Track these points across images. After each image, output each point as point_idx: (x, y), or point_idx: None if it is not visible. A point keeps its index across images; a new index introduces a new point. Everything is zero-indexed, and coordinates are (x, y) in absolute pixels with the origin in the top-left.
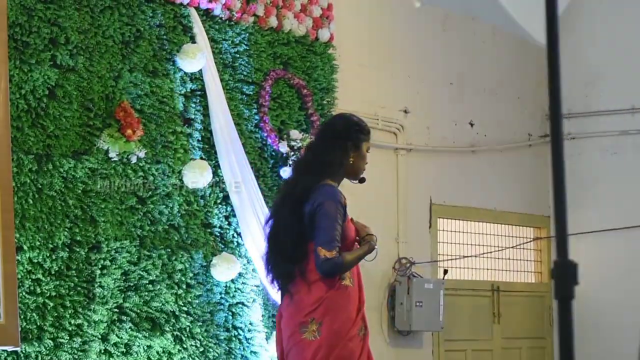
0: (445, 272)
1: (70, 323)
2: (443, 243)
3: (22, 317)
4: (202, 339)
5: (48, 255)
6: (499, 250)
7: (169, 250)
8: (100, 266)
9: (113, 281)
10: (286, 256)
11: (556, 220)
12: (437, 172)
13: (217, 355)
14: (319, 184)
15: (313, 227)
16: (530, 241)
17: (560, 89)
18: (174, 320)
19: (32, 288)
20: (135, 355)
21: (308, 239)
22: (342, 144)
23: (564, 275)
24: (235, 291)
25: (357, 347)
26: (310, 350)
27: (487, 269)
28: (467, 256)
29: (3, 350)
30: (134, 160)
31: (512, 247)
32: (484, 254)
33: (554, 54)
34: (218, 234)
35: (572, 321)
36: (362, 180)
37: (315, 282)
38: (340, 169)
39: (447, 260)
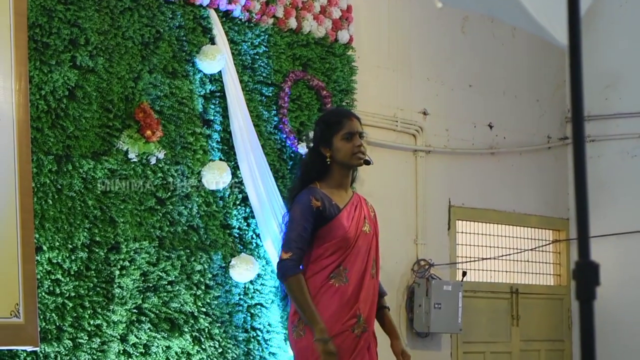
0: (464, 274)
1: (89, 323)
2: (462, 245)
3: (41, 317)
4: (220, 339)
5: (67, 255)
6: (517, 253)
7: (188, 251)
8: (119, 267)
9: (132, 282)
10: None
11: (578, 221)
12: (456, 174)
13: (235, 356)
14: (298, 194)
15: None
16: (549, 244)
17: (582, 91)
18: (192, 321)
19: (51, 288)
20: (154, 356)
21: None
22: (315, 148)
23: (585, 276)
24: (254, 292)
25: (347, 344)
26: (297, 348)
27: (506, 271)
28: (486, 258)
29: (22, 350)
30: (153, 161)
31: (531, 250)
32: (502, 256)
33: (576, 55)
34: (237, 235)
35: (593, 322)
36: (366, 163)
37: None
38: (322, 171)
39: (466, 262)
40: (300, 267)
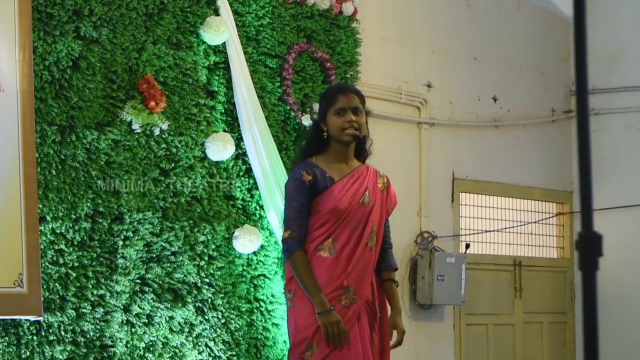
0: (467, 246)
1: (92, 293)
2: (465, 217)
3: (44, 287)
4: (223, 310)
5: (71, 225)
6: (521, 225)
7: (192, 222)
8: (122, 237)
9: (135, 252)
10: None
11: (581, 192)
12: (460, 147)
13: (238, 326)
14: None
15: None
16: (553, 216)
17: (587, 64)
18: (195, 292)
19: (54, 258)
20: (157, 326)
21: None
22: (316, 122)
23: (588, 246)
24: (257, 263)
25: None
26: (289, 319)
27: (509, 244)
28: (489, 231)
29: (26, 320)
30: (157, 132)
31: (535, 222)
32: (506, 228)
33: (581, 28)
34: (240, 207)
35: (596, 292)
36: (355, 139)
37: None
38: (321, 144)
39: (469, 234)
40: (302, 243)
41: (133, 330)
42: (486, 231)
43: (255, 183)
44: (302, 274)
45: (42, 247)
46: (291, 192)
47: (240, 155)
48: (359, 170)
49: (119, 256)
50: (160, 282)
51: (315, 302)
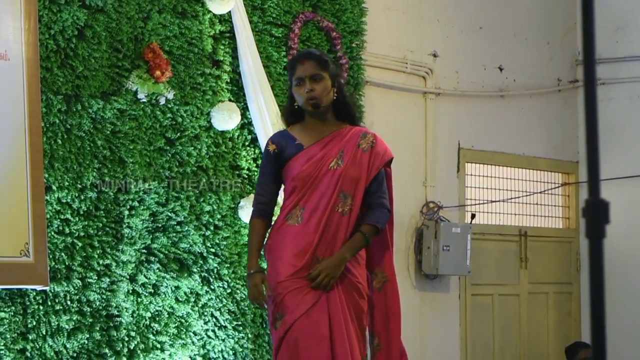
0: (473, 216)
1: (98, 263)
2: (471, 187)
3: (51, 256)
4: (229, 280)
5: (77, 195)
6: (526, 195)
7: (197, 191)
8: (128, 207)
9: (141, 222)
10: None
11: (588, 160)
12: (465, 117)
13: (244, 296)
14: None
15: None
16: (559, 186)
17: (594, 34)
18: (201, 262)
19: (61, 228)
20: (163, 296)
21: None
22: (289, 94)
23: (595, 213)
24: None
25: (305, 286)
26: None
27: (515, 214)
28: (495, 201)
29: (32, 289)
30: (162, 101)
31: (540, 193)
32: (511, 199)
33: None
34: (246, 176)
35: (603, 260)
36: (316, 107)
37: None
38: (294, 113)
39: (475, 204)
40: (260, 212)
41: (139, 300)
42: (492, 201)
43: (260, 153)
44: (249, 239)
45: (48, 216)
46: (262, 162)
47: (246, 124)
48: (338, 132)
49: (124, 226)
50: (166, 252)
51: (249, 262)
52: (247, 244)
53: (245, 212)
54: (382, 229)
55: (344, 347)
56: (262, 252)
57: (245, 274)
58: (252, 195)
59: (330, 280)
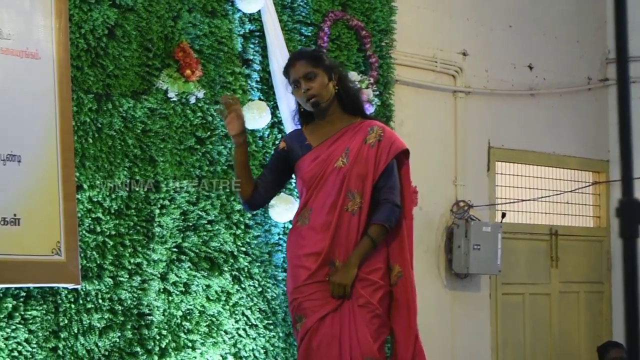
0: (504, 215)
1: (129, 262)
2: (501, 186)
3: (82, 255)
4: (260, 279)
5: (108, 194)
6: (557, 194)
7: (228, 190)
8: (159, 206)
9: (172, 221)
10: None
11: (621, 159)
12: (495, 115)
13: (275, 295)
14: None
15: None
16: (589, 185)
17: (627, 31)
18: (232, 260)
19: (92, 226)
20: (194, 295)
21: None
22: None
23: (629, 213)
24: None
25: (322, 294)
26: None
27: (545, 213)
28: (525, 200)
29: (64, 288)
30: (192, 100)
31: (571, 191)
32: (542, 197)
33: None
34: None
35: (636, 259)
36: (316, 105)
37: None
38: (302, 115)
39: (505, 203)
40: (249, 196)
41: (170, 298)
42: (522, 200)
43: None
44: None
45: (80, 215)
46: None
47: (276, 123)
48: (347, 129)
49: (155, 225)
50: (197, 250)
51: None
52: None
53: (276, 210)
54: (390, 228)
55: (351, 346)
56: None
57: (277, 272)
58: (282, 195)
59: (345, 290)
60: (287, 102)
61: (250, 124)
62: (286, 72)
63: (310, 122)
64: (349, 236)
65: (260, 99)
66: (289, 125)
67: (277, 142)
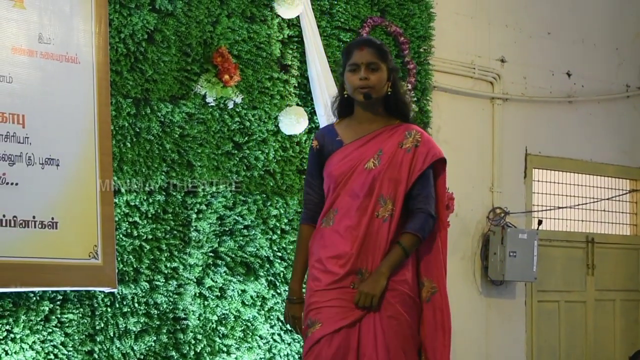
0: (540, 222)
1: (166, 266)
2: (538, 194)
3: (119, 259)
4: None
5: (145, 198)
6: (594, 202)
7: (264, 195)
8: (196, 210)
9: (209, 225)
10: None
11: None
12: (533, 122)
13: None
14: None
15: None
16: (626, 193)
17: None
18: (268, 265)
19: (129, 231)
20: (230, 299)
21: None
22: (340, 82)
23: None
24: None
25: (346, 301)
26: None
27: (582, 221)
28: (562, 207)
29: (100, 292)
30: (230, 105)
31: (608, 199)
32: (578, 205)
33: None
34: None
35: None
36: (367, 97)
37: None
38: (342, 105)
39: (542, 210)
40: (308, 217)
41: (206, 303)
42: (559, 207)
43: None
44: (296, 249)
45: (117, 219)
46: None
47: (313, 129)
48: (384, 129)
49: (192, 229)
50: (233, 255)
51: (290, 282)
52: (295, 252)
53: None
54: (424, 238)
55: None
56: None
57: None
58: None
59: (372, 300)
60: (324, 108)
61: (287, 130)
62: (348, 52)
63: (345, 117)
64: (378, 244)
65: (298, 105)
66: (324, 122)
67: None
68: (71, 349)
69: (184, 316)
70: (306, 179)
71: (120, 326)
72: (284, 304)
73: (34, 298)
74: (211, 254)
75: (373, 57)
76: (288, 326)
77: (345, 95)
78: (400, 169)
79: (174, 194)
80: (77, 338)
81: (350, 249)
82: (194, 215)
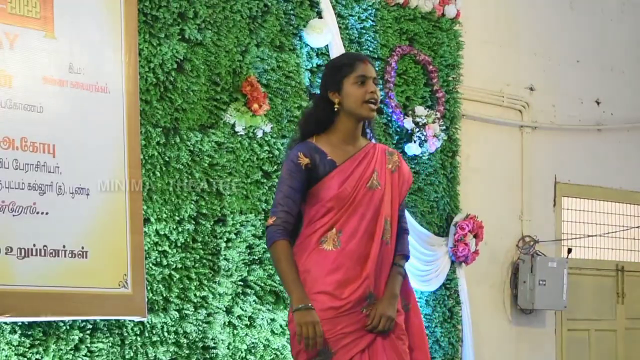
0: (570, 251)
1: (195, 295)
2: (567, 222)
3: (148, 288)
4: None
5: (174, 227)
6: (624, 230)
7: None
8: (225, 239)
9: (238, 254)
10: None
11: None
12: (562, 151)
13: None
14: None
15: None
16: None
17: None
18: None
19: (158, 260)
20: (259, 328)
21: None
22: (321, 95)
23: None
24: None
25: (355, 326)
26: (291, 324)
27: (612, 249)
28: (592, 235)
29: (130, 321)
30: (259, 134)
31: (638, 227)
32: (608, 233)
33: None
34: None
35: None
36: (379, 112)
37: (296, 246)
38: (326, 121)
39: (572, 239)
40: (286, 232)
41: (235, 332)
42: (588, 236)
43: None
44: (282, 264)
45: (146, 248)
46: (284, 175)
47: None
48: (365, 149)
49: (221, 258)
50: (262, 284)
51: (292, 298)
52: (282, 269)
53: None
54: (409, 258)
55: None
56: None
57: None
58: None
59: (391, 324)
60: None
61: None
62: (350, 65)
63: (317, 134)
64: (385, 267)
65: None
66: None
67: None
68: None
69: (213, 345)
70: (286, 192)
71: (149, 355)
72: (295, 317)
73: (64, 327)
74: (240, 282)
75: (375, 74)
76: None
77: (336, 109)
78: (393, 189)
79: (203, 222)
80: None
81: (361, 273)
82: (223, 244)
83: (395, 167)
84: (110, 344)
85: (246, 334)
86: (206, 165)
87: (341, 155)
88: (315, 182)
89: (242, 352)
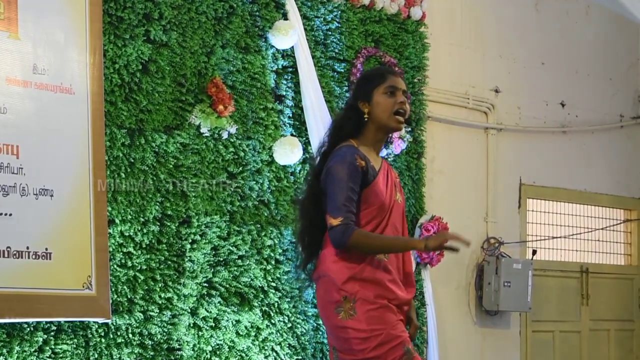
0: (534, 252)
1: (160, 296)
2: (532, 223)
3: (113, 289)
4: (290, 314)
5: (139, 228)
6: (588, 232)
7: (259, 226)
8: (190, 240)
9: (203, 256)
10: (315, 225)
11: None
12: (527, 153)
13: (304, 331)
14: (335, 148)
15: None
16: (620, 223)
17: None
18: (262, 296)
19: (123, 261)
20: (224, 330)
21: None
22: (351, 104)
23: None
24: None
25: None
26: (348, 329)
27: (576, 251)
28: (556, 237)
29: (94, 322)
30: (225, 135)
31: (602, 229)
32: (573, 235)
33: None
34: None
35: None
36: (407, 122)
37: (340, 253)
38: (359, 128)
39: (536, 240)
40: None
41: (200, 333)
42: (553, 237)
43: None
44: (376, 239)
45: (111, 249)
46: (342, 175)
47: (308, 159)
48: (384, 162)
49: (186, 259)
50: (227, 285)
51: (413, 244)
52: (380, 245)
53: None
54: None
55: None
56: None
57: (307, 308)
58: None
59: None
60: (318, 138)
61: (282, 160)
62: (381, 76)
63: (352, 139)
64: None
65: (292, 135)
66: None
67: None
68: None
69: (178, 347)
70: (348, 194)
71: (114, 357)
72: (430, 244)
73: (28, 329)
74: (205, 284)
75: (406, 87)
76: (282, 356)
77: (366, 119)
78: (403, 204)
79: (168, 224)
80: None
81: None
82: (188, 246)
83: (397, 182)
84: (75, 346)
85: (211, 336)
86: (171, 166)
87: (376, 164)
88: (365, 186)
89: (207, 354)
